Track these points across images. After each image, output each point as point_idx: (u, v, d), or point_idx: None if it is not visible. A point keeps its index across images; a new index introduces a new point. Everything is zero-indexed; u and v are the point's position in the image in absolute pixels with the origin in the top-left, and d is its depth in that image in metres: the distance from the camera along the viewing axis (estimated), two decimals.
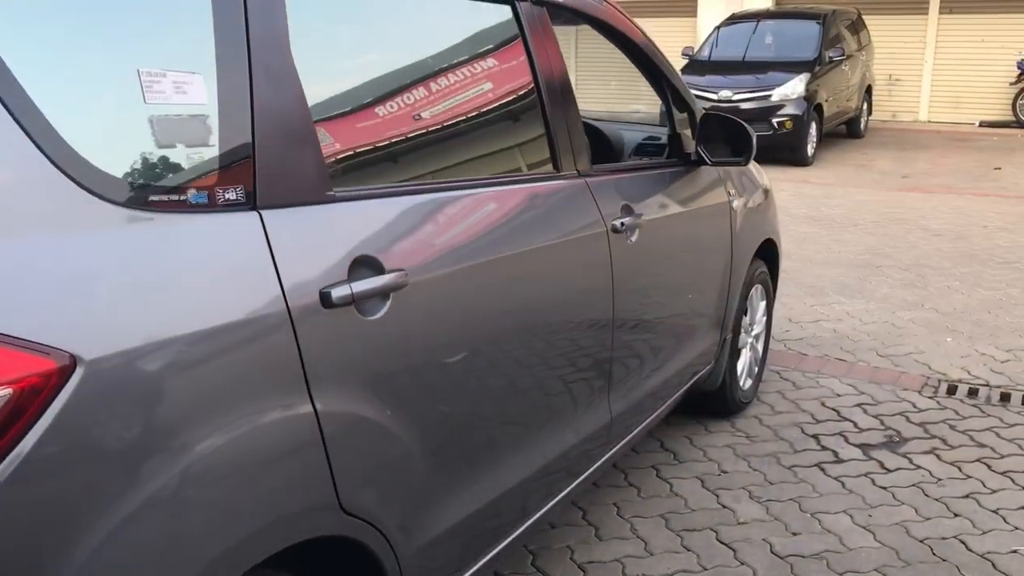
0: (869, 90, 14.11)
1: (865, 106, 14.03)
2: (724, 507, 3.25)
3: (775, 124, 11.16)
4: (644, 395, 2.93)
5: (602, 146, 3.63)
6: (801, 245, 7.24)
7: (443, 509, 1.96)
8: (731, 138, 3.15)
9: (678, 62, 12.77)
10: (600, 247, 2.53)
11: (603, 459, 2.74)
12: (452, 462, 1.99)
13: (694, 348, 3.33)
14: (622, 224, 2.61)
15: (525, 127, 2.45)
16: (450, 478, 1.98)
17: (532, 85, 2.41)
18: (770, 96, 11.27)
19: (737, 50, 12.46)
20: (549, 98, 2.44)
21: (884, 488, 3.37)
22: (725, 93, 11.49)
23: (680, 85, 3.25)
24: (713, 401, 3.88)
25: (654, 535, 3.07)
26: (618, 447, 2.84)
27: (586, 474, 2.63)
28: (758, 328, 4.10)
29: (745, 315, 3.92)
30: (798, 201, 9.16)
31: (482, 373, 2.06)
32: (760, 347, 4.18)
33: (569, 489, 2.53)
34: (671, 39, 15.13)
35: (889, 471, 3.51)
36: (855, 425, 3.93)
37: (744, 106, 11.33)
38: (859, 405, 4.14)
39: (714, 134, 3.20)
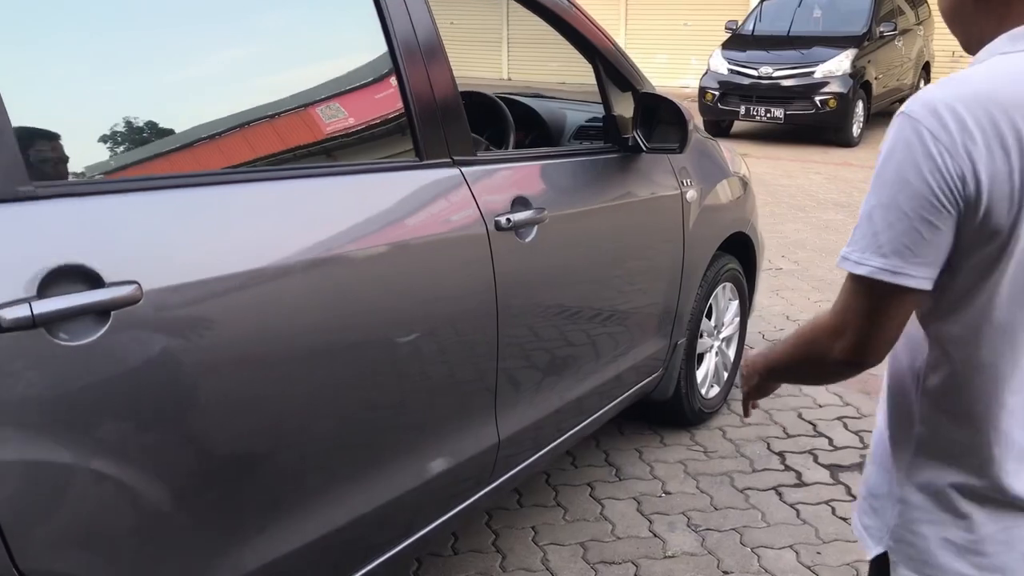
0: (927, 67, 13.35)
1: (922, 84, 13.28)
2: (655, 535, 2.90)
3: (818, 102, 10.57)
4: (553, 412, 2.60)
5: (533, 128, 3.27)
6: (820, 234, 6.76)
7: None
8: (673, 121, 2.77)
9: (722, 36, 12.21)
10: (476, 248, 2.20)
11: (492, 485, 2.41)
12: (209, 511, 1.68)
13: (629, 356, 2.97)
14: (508, 221, 2.26)
15: (372, 103, 2.12)
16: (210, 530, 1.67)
17: (385, 49, 2.07)
18: (813, 73, 10.67)
19: (782, 24, 11.85)
20: (409, 65, 2.09)
21: (844, 519, 2.99)
22: (765, 69, 10.93)
23: (618, 59, 2.87)
24: (668, 411, 3.52)
25: (566, 567, 2.73)
26: (516, 470, 2.51)
27: (458, 508, 2.31)
28: (728, 330, 3.72)
29: (709, 317, 3.55)
30: (830, 185, 8.63)
31: (276, 403, 1.75)
32: (732, 351, 3.79)
33: (428, 530, 2.21)
34: (719, 14, 14.53)
35: (855, 498, 3.12)
36: (830, 442, 3.53)
37: (785, 83, 10.78)
38: (840, 419, 3.73)
39: (654, 117, 2.82)
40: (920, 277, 1.09)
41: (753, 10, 12.58)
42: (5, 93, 1.38)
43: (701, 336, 3.51)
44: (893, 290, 1.10)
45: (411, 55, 2.10)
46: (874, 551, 1.32)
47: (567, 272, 2.56)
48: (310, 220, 1.83)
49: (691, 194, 3.18)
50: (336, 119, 2.04)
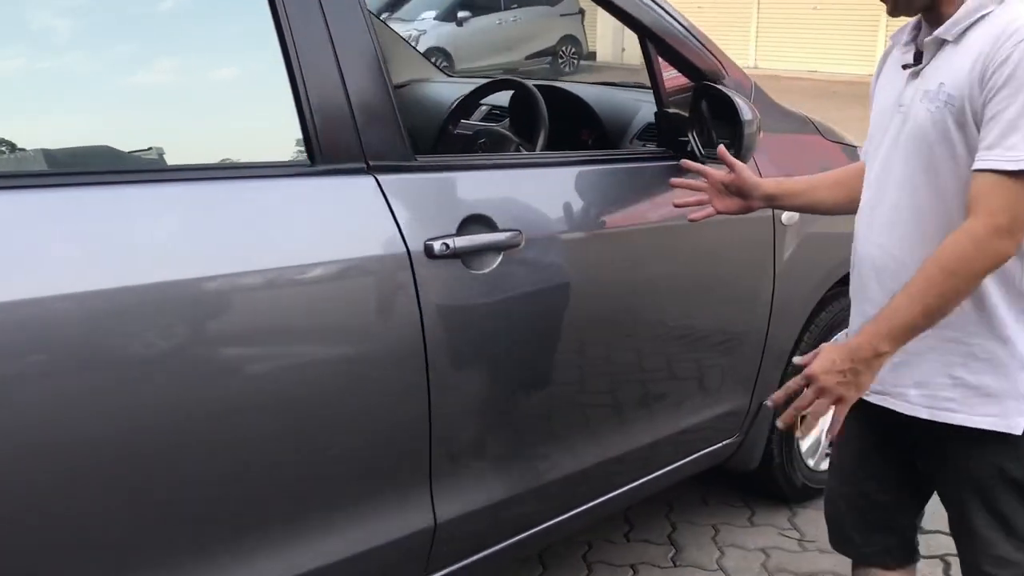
0: None
1: None
2: None
3: None
4: (530, 491, 2.05)
5: (585, 124, 2.67)
6: None
7: None
8: (728, 117, 2.12)
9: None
10: (388, 281, 1.70)
11: None
12: None
13: (665, 423, 2.34)
14: (447, 246, 1.74)
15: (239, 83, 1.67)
16: None
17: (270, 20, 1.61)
18: None
19: None
20: (300, 34, 1.62)
21: None
22: None
23: (677, 35, 2.23)
24: (760, 483, 2.83)
25: None
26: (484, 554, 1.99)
27: None
28: None
29: None
30: None
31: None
32: None
33: None
34: None
35: None
36: None
37: None
38: None
39: (719, 115, 2.17)
40: None
41: None
42: None
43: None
44: None
45: (305, 21, 1.63)
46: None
47: (551, 313, 1.99)
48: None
49: (789, 214, 2.47)
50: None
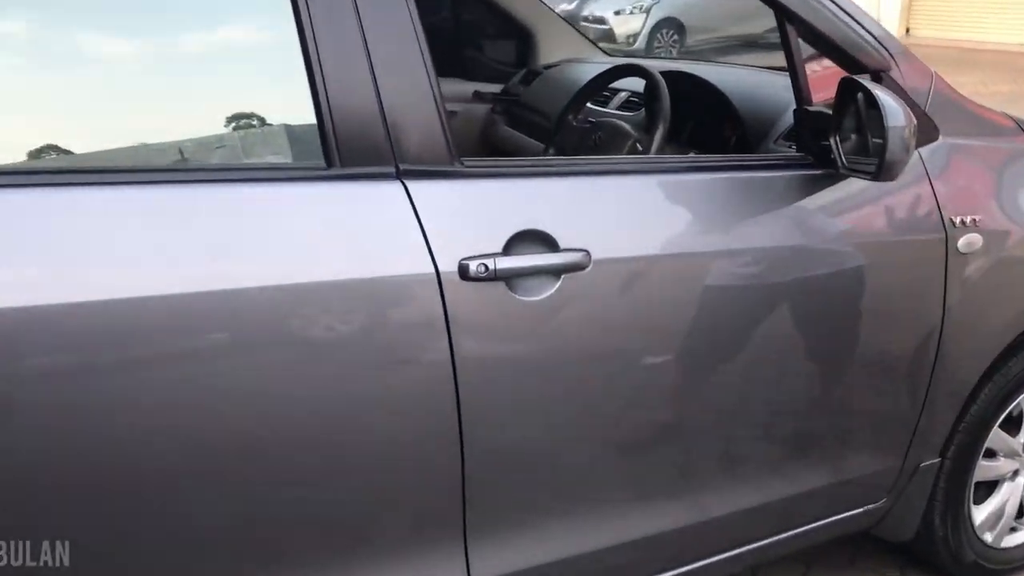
0: None
1: None
2: None
3: None
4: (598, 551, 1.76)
5: (726, 118, 2.26)
6: None
7: None
8: (873, 126, 1.70)
9: None
10: (413, 306, 1.46)
11: None
12: None
13: (791, 481, 1.96)
14: (485, 268, 1.47)
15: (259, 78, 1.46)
16: None
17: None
18: None
19: None
20: (323, 23, 1.40)
21: None
22: None
23: (827, 18, 1.83)
24: (920, 555, 2.37)
25: None
26: None
27: None
28: None
29: (1017, 430, 2.30)
30: None
31: None
32: None
33: None
34: None
35: None
36: None
37: None
38: None
39: (871, 116, 1.75)
40: None
41: None
42: None
43: (994, 457, 2.28)
44: None
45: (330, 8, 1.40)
46: None
47: (622, 350, 1.66)
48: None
49: (969, 240, 1.99)
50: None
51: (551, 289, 1.54)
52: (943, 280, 1.98)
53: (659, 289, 1.66)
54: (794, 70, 1.84)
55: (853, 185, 1.86)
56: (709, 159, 2.02)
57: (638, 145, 2.13)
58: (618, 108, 2.67)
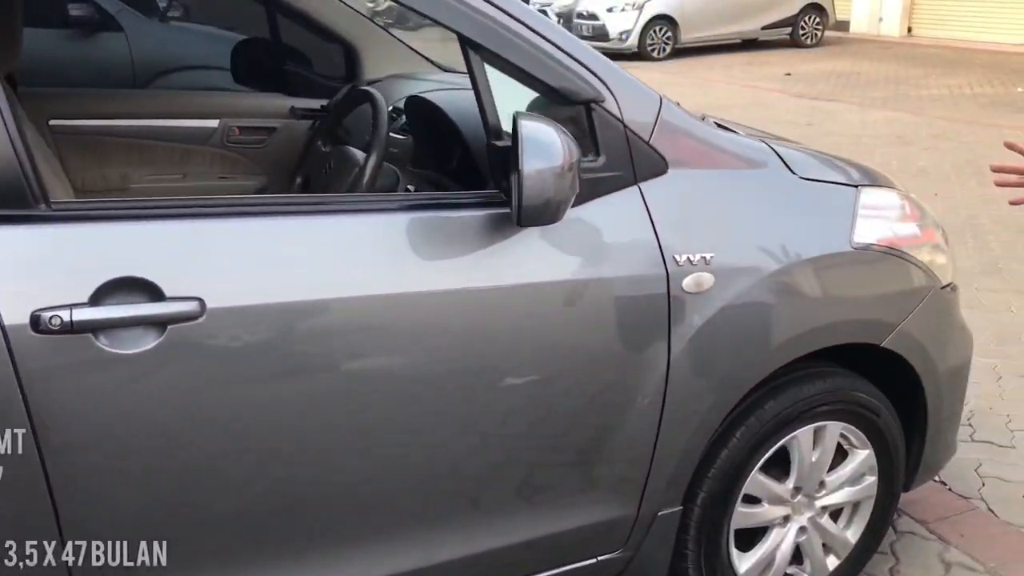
0: None
1: None
2: None
3: None
4: None
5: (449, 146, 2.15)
6: None
7: None
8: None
9: None
10: None
11: None
12: None
13: (498, 531, 1.86)
14: (60, 320, 1.38)
15: None
16: None
17: None
18: None
19: None
20: None
21: None
22: None
23: (523, 54, 1.72)
24: None
25: None
26: None
27: None
28: (839, 496, 2.27)
29: (786, 475, 2.18)
30: None
31: None
32: (849, 531, 2.33)
33: None
34: None
35: None
36: None
37: None
38: None
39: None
40: None
41: None
42: None
43: (758, 503, 2.17)
44: None
45: None
46: None
47: (238, 405, 1.55)
48: None
49: (697, 279, 1.88)
50: None
51: (153, 342, 1.45)
52: (667, 321, 1.87)
53: (286, 339, 1.56)
54: (480, 102, 1.73)
55: (560, 222, 1.74)
56: (392, 197, 1.92)
57: (363, 174, 2.03)
58: (399, 132, 2.56)
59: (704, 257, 1.89)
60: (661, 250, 1.85)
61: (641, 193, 1.86)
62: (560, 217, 1.63)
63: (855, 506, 2.32)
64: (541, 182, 1.52)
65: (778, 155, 2.09)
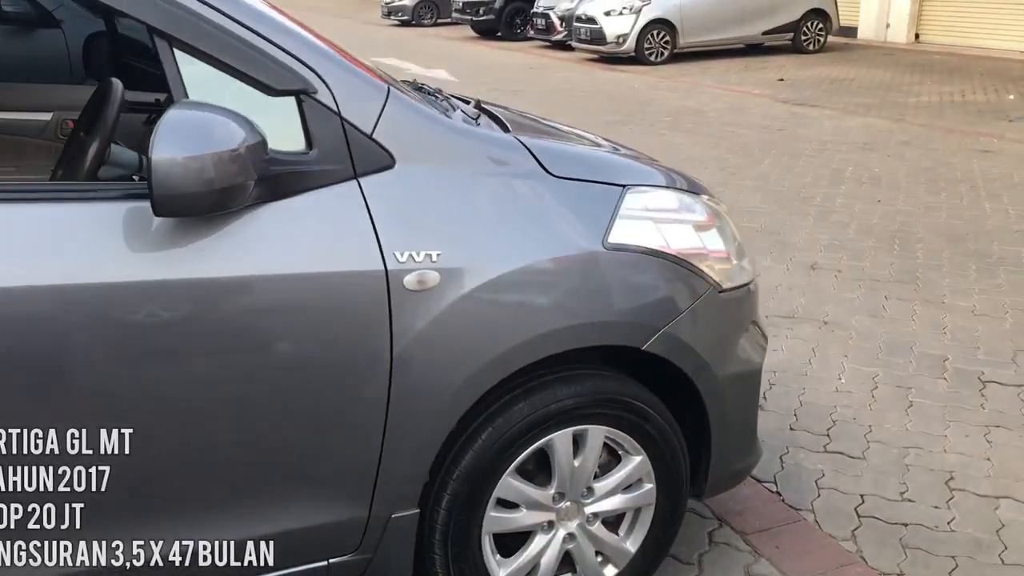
0: None
1: None
2: None
3: None
4: None
5: None
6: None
7: None
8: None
9: None
10: None
11: None
12: None
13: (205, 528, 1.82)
14: None
15: None
16: None
17: None
18: None
19: None
20: None
21: None
22: None
23: (218, 42, 1.69)
24: None
25: None
26: None
27: None
28: (612, 502, 2.21)
29: (549, 480, 2.13)
30: None
31: None
32: (629, 539, 2.27)
33: None
34: None
35: None
36: None
37: None
38: None
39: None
40: None
41: None
42: None
43: (516, 508, 2.12)
44: None
45: None
46: None
47: None
48: None
49: (421, 278, 1.84)
50: None
51: None
52: (387, 320, 1.83)
53: None
54: (172, 98, 1.70)
55: (256, 217, 1.72)
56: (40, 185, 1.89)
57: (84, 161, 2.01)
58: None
59: (430, 255, 1.85)
60: (380, 246, 1.81)
61: (360, 188, 1.82)
62: (232, 206, 1.60)
63: (636, 513, 2.27)
64: (175, 169, 1.49)
65: (532, 154, 2.04)
